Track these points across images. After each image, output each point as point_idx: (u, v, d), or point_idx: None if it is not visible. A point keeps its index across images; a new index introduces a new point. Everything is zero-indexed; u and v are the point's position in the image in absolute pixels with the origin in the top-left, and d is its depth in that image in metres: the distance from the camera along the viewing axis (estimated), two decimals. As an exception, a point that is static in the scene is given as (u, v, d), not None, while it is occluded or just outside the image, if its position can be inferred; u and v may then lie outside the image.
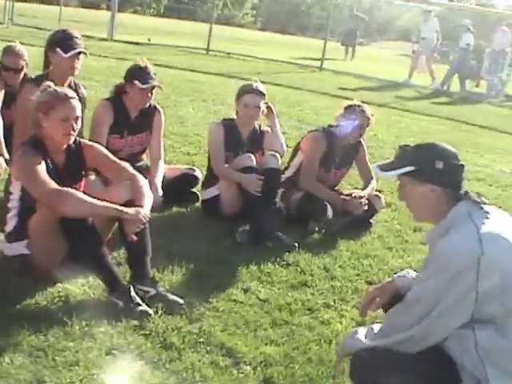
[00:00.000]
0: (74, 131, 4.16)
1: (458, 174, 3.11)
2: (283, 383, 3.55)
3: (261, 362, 3.68)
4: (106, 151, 4.43)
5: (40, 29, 19.08)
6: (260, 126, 6.08)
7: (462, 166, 3.12)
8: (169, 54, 18.45)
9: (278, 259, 5.14)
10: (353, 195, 6.01)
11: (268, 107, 6.01)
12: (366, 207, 6.01)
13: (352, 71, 20.16)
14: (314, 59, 21.60)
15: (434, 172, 3.05)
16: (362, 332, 3.25)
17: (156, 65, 13.23)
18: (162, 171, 5.77)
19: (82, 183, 4.37)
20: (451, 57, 22.86)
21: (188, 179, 6.09)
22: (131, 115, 5.73)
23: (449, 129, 12.95)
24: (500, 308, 2.92)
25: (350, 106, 6.11)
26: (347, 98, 14.26)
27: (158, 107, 5.90)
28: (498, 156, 10.87)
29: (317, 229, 5.87)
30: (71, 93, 4.19)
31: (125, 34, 20.48)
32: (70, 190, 3.93)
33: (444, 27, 22.07)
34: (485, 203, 3.10)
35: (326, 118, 11.13)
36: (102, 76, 12.67)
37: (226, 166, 5.74)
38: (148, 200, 4.20)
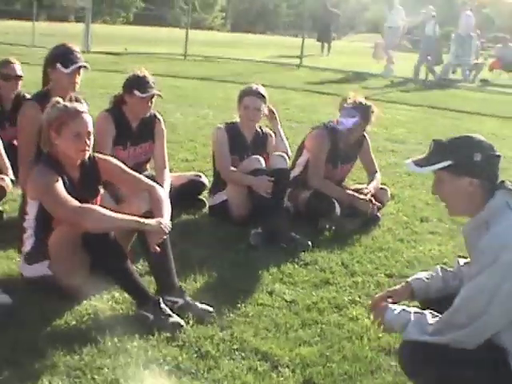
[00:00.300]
0: (88, 146, 4.11)
1: (495, 165, 3.10)
2: (323, 382, 3.52)
3: (298, 364, 3.67)
4: (120, 163, 4.39)
5: (12, 45, 18.94)
6: (262, 129, 6.05)
7: (499, 156, 3.11)
8: (147, 62, 18.18)
9: (296, 259, 5.13)
10: (364, 191, 5.98)
11: (270, 110, 6.00)
12: (376, 209, 6.00)
13: (330, 67, 20.21)
14: (291, 57, 21.62)
15: (472, 165, 3.03)
16: (409, 315, 3.20)
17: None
18: (168, 180, 5.72)
19: (99, 198, 4.32)
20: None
21: (195, 186, 6.06)
22: (132, 125, 5.68)
23: (435, 117, 13.01)
24: None
25: (352, 102, 6.08)
26: (330, 94, 14.43)
27: (158, 116, 5.85)
28: (496, 140, 10.88)
29: (327, 226, 5.85)
30: (82, 107, 4.14)
31: (100, 45, 20.38)
32: (91, 205, 3.89)
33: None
34: None
35: (314, 115, 11.23)
36: (87, 89, 12.51)
37: (234, 169, 5.70)
38: (167, 210, 4.17)
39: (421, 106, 14.03)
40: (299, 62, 20.15)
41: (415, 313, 3.18)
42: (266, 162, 5.68)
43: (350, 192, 6.05)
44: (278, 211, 5.54)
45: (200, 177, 6.16)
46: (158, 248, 3.99)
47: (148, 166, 5.99)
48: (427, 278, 3.48)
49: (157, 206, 4.13)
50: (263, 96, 5.86)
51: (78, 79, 5.16)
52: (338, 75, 18.86)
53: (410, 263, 5.31)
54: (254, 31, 43.86)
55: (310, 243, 5.38)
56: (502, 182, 3.10)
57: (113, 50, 20.24)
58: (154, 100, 5.62)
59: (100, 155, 4.34)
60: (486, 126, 12.21)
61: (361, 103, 6.04)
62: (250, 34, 40.02)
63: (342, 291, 4.68)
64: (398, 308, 3.27)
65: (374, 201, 5.97)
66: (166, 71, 16.33)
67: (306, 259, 5.15)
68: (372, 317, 3.49)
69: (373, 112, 6.07)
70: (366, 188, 6.13)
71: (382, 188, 6.40)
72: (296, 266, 5.03)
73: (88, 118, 4.11)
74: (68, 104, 4.10)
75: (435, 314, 3.13)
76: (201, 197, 6.11)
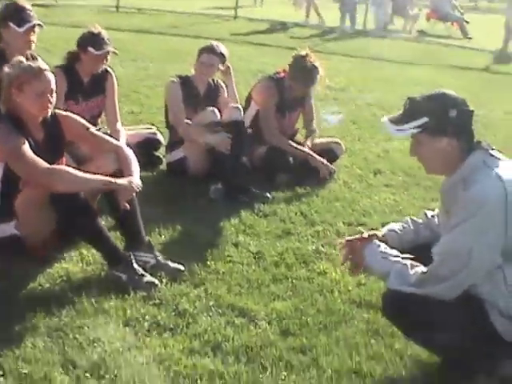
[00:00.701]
0: (51, 103, 4.05)
1: (470, 120, 3.17)
2: (300, 333, 3.61)
3: (274, 318, 3.73)
4: (84, 122, 4.34)
5: None
6: (215, 81, 6.06)
7: (472, 111, 3.17)
8: (79, 15, 17.87)
9: (256, 211, 5.22)
10: (324, 163, 6.09)
11: (226, 66, 6.00)
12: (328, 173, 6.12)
13: (265, 17, 20.11)
14: (227, 8, 21.46)
15: (448, 121, 3.09)
16: (390, 264, 3.29)
17: (69, 26, 13.03)
18: (123, 132, 5.69)
19: (64, 159, 4.28)
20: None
21: (151, 143, 6.03)
22: (84, 80, 5.63)
23: (375, 66, 13.14)
24: None
25: (300, 57, 6.09)
26: (266, 45, 14.42)
27: (110, 70, 5.80)
28: (426, 87, 10.99)
29: (285, 179, 5.92)
30: (44, 65, 4.07)
31: (27, -2, 19.76)
32: (61, 166, 3.87)
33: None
34: (494, 150, 3.19)
35: (256, 65, 11.19)
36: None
37: (189, 122, 5.69)
38: (136, 168, 4.16)
39: (361, 58, 14.12)
40: (234, 13, 19.97)
41: (396, 262, 3.26)
42: (223, 113, 5.70)
43: (307, 150, 6.12)
44: (237, 165, 5.59)
45: (155, 134, 6.14)
46: (128, 205, 3.99)
47: (99, 120, 5.92)
48: (400, 230, 3.58)
49: (126, 165, 4.13)
50: (222, 55, 5.85)
51: (34, 37, 5.06)
52: (273, 26, 18.81)
53: (366, 212, 5.43)
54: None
55: (269, 195, 5.45)
56: (479, 142, 3.18)
57: (41, 2, 19.65)
58: (108, 57, 5.55)
59: (61, 112, 4.27)
60: (424, 75, 12.38)
61: (311, 63, 6.05)
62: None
63: (304, 241, 4.78)
64: (377, 250, 3.35)
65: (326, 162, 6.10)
66: (100, 24, 15.92)
67: (266, 211, 5.24)
68: (349, 259, 3.54)
69: (321, 67, 6.12)
70: (307, 145, 6.27)
71: (335, 142, 6.51)
72: (256, 217, 5.12)
73: (50, 76, 4.05)
74: (31, 63, 4.02)
75: (415, 264, 3.23)
76: (157, 153, 6.09)
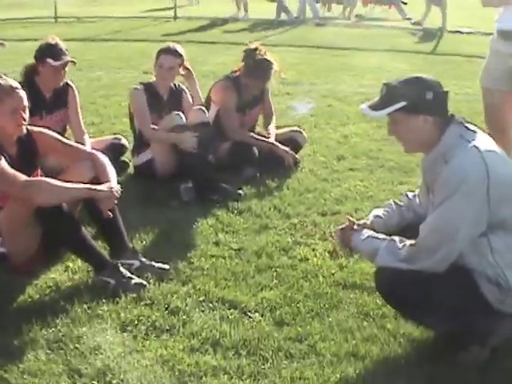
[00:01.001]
0: (25, 120, 4.05)
1: (445, 100, 3.31)
2: (294, 322, 3.68)
3: (266, 308, 3.81)
4: (56, 135, 4.35)
5: None
6: (176, 85, 6.07)
7: (447, 92, 3.32)
8: (15, 28, 17.73)
9: (231, 209, 5.25)
10: (288, 152, 6.19)
11: (187, 69, 6.01)
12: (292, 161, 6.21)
13: (204, 15, 20.12)
14: (164, 9, 21.43)
15: (425, 103, 3.22)
16: (377, 242, 3.40)
17: (6, 40, 12.89)
18: (89, 145, 5.68)
19: (38, 172, 4.27)
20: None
21: (116, 149, 6.03)
22: (46, 95, 5.61)
23: (322, 56, 13.25)
24: (510, 210, 3.16)
25: (251, 52, 6.16)
26: (213, 43, 14.44)
27: (71, 83, 5.79)
28: (376, 74, 11.22)
29: (252, 173, 5.98)
30: (15, 83, 4.07)
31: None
32: (41, 178, 3.88)
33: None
34: (469, 123, 3.31)
35: (205, 66, 11.19)
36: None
37: (156, 127, 5.72)
38: (113, 174, 4.18)
39: (306, 47, 14.22)
40: (174, 13, 19.94)
41: (383, 239, 3.37)
42: (188, 117, 5.73)
43: (270, 140, 6.19)
44: (205, 164, 5.62)
45: (120, 139, 6.14)
46: (110, 213, 4.01)
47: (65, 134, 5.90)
48: (384, 215, 3.70)
49: (102, 172, 4.14)
50: (179, 54, 5.86)
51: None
52: (213, 22, 18.85)
53: (338, 200, 5.52)
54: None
55: (241, 192, 5.50)
56: (452, 116, 3.30)
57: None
58: (67, 68, 5.54)
59: (35, 128, 4.28)
60: (371, 61, 12.56)
61: (262, 56, 6.12)
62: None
63: (282, 234, 4.85)
64: (365, 234, 3.47)
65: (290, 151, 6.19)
66: (39, 36, 15.76)
67: (240, 207, 5.27)
68: (338, 242, 3.72)
69: (275, 60, 6.18)
70: (269, 134, 6.34)
71: (297, 130, 6.60)
72: (231, 215, 5.15)
73: (23, 94, 4.05)
74: (1, 81, 4.01)
75: (403, 239, 3.33)
76: (123, 158, 6.09)
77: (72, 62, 5.53)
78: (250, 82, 6.16)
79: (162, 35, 15.62)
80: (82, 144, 5.56)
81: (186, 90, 6.10)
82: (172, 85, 6.02)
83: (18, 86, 4.06)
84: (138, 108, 5.82)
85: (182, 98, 6.05)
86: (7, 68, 5.77)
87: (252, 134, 6.25)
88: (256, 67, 6.09)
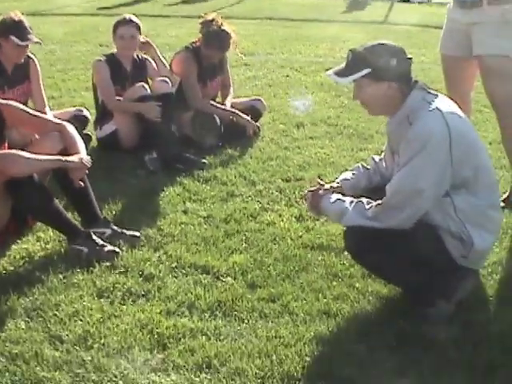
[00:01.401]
0: None
1: (408, 67, 3.45)
2: (265, 284, 3.79)
3: (238, 271, 3.91)
4: (24, 107, 4.37)
5: None
6: (139, 56, 6.09)
7: (411, 59, 3.47)
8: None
9: (196, 177, 5.32)
10: (249, 121, 6.28)
11: (145, 41, 6.04)
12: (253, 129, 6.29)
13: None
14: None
15: (389, 69, 3.35)
16: (344, 203, 3.52)
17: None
18: (51, 117, 5.68)
19: (6, 144, 4.28)
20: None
21: (79, 121, 5.97)
22: (7, 69, 5.58)
23: (276, 28, 13.28)
24: (471, 170, 3.32)
25: (208, 23, 6.21)
26: (167, 17, 14.32)
27: (32, 56, 5.76)
28: (330, 44, 11.31)
29: (215, 142, 6.05)
30: None
31: None
32: (13, 151, 3.90)
33: None
34: (430, 88, 3.44)
35: (159, 39, 11.10)
36: None
37: (120, 98, 5.75)
38: (82, 145, 4.22)
39: (259, 19, 14.24)
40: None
41: (351, 201, 3.48)
42: (152, 87, 5.77)
43: (231, 109, 6.27)
44: (169, 134, 5.68)
45: (82, 111, 6.14)
46: (81, 183, 4.06)
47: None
48: (352, 178, 3.82)
49: (71, 143, 4.18)
50: (137, 24, 5.88)
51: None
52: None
53: (301, 167, 5.62)
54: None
55: (205, 161, 5.57)
56: (415, 81, 3.43)
57: None
58: (30, 45, 5.53)
59: (1, 100, 4.28)
60: (326, 32, 12.62)
61: (224, 31, 6.17)
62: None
63: (249, 201, 4.94)
64: (333, 197, 3.58)
65: (251, 120, 6.28)
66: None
67: (206, 176, 5.35)
68: (307, 204, 3.82)
69: (233, 31, 6.24)
70: (224, 104, 6.43)
71: (257, 99, 6.69)
72: (198, 184, 5.22)
73: None
74: None
75: (370, 200, 3.45)
76: (86, 131, 6.10)
77: (38, 43, 5.51)
78: (209, 52, 6.21)
79: (115, 8, 15.55)
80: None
81: (150, 59, 6.11)
82: (135, 56, 6.03)
83: None
84: (102, 80, 5.84)
85: (146, 68, 6.07)
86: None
87: (213, 103, 6.30)
88: (214, 38, 6.15)
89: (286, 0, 17.98)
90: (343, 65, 3.46)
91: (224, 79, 6.61)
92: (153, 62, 6.10)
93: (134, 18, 5.92)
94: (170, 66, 6.34)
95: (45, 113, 5.62)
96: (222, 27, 6.15)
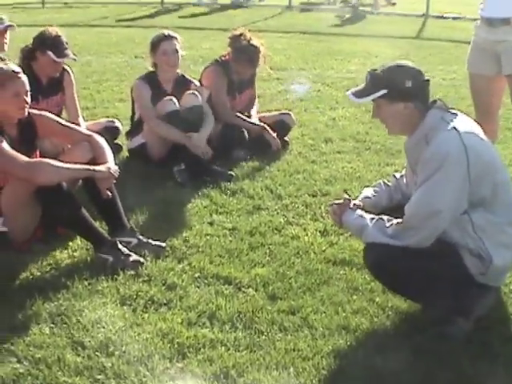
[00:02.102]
0: (27, 104, 4.17)
1: (426, 88, 3.52)
2: (286, 296, 3.83)
3: (259, 283, 3.96)
4: (56, 117, 4.48)
5: None
6: (184, 76, 6.13)
7: (428, 80, 3.53)
8: (4, 14, 17.61)
9: (224, 190, 5.38)
10: (275, 138, 6.31)
11: None
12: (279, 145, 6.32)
13: (190, 0, 20.18)
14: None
15: (404, 91, 3.43)
16: (365, 220, 3.57)
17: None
18: (84, 128, 5.78)
19: (37, 153, 4.39)
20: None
21: (110, 132, 6.10)
22: (42, 80, 5.70)
23: (307, 42, 13.34)
24: (489, 188, 3.35)
25: (236, 38, 6.28)
26: (201, 29, 14.48)
27: (66, 67, 5.88)
28: (362, 59, 11.35)
29: (243, 155, 6.11)
30: (17, 68, 4.19)
31: None
32: (42, 159, 4.01)
33: None
34: (450, 107, 3.49)
35: (193, 51, 11.27)
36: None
37: (161, 122, 5.77)
38: (110, 155, 4.31)
39: (292, 33, 14.30)
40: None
41: (372, 218, 3.53)
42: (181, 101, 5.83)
43: (261, 124, 6.34)
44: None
45: (114, 122, 6.25)
46: (109, 193, 4.14)
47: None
48: (374, 196, 3.87)
49: (100, 153, 4.27)
50: (176, 38, 5.93)
51: (6, 39, 5.14)
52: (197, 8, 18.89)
53: (327, 181, 5.66)
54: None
55: (232, 173, 5.63)
56: (434, 101, 3.49)
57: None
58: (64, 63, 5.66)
59: (35, 111, 4.39)
60: (358, 47, 12.66)
61: (245, 39, 6.23)
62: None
63: (275, 214, 4.99)
64: (355, 213, 3.63)
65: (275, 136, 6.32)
66: (27, 21, 15.70)
67: (233, 188, 5.41)
68: (331, 216, 3.88)
69: (261, 45, 6.30)
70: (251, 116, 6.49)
71: (286, 113, 6.74)
72: (225, 196, 5.28)
73: (24, 78, 4.16)
74: (3, 65, 4.12)
75: (391, 218, 3.49)
76: (117, 141, 6.20)
77: (73, 59, 5.62)
78: (239, 67, 6.28)
79: (149, 21, 15.74)
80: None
81: (196, 82, 6.16)
82: (178, 75, 6.05)
83: (20, 70, 4.17)
84: (141, 101, 5.88)
85: (188, 89, 6.02)
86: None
87: (242, 116, 6.36)
88: (243, 52, 6.20)
89: (321, 15, 18.08)
90: (363, 85, 3.55)
91: (252, 92, 6.68)
92: (197, 83, 6.13)
93: (172, 32, 5.97)
94: (200, 79, 6.42)
95: (78, 123, 5.75)
96: (251, 42, 6.20)
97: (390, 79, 3.44)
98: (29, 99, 4.15)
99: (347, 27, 15.43)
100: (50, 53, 5.44)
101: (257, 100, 6.74)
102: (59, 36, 5.55)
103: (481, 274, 3.43)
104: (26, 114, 4.22)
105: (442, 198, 3.31)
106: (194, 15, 17.50)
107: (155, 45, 5.90)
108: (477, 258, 3.38)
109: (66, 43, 5.57)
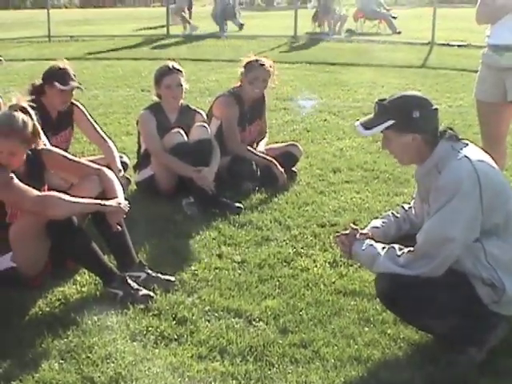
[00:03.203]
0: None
1: (434, 118, 3.51)
2: (297, 329, 3.81)
3: (270, 316, 3.94)
4: (63, 153, 4.50)
5: None
6: (189, 106, 6.18)
7: (436, 109, 3.52)
8: (11, 48, 17.83)
9: (232, 222, 5.37)
10: (280, 171, 6.30)
11: None
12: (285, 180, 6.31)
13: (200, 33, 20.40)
14: (156, 28, 21.67)
15: (412, 121, 3.42)
16: (376, 249, 3.55)
17: (7, 60, 13.03)
18: (115, 151, 5.89)
19: (46, 188, 4.39)
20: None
21: (119, 166, 6.13)
22: (52, 115, 5.74)
23: (314, 72, 13.38)
24: (502, 216, 3.33)
25: (249, 63, 6.35)
26: (207, 61, 14.56)
27: (76, 102, 5.92)
28: (369, 89, 11.38)
29: (251, 187, 6.11)
30: (25, 117, 4.17)
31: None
32: (52, 193, 4.02)
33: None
34: (459, 136, 3.48)
35: (200, 84, 11.35)
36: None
37: (167, 155, 5.79)
38: (120, 189, 4.32)
39: (298, 63, 14.35)
40: (166, 31, 20.11)
41: (383, 248, 3.51)
42: (190, 133, 5.85)
43: (269, 158, 6.35)
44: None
45: (122, 157, 6.24)
46: (119, 227, 4.14)
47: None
48: (382, 226, 3.85)
49: (110, 187, 4.28)
50: (181, 71, 5.98)
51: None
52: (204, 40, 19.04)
53: (336, 212, 5.64)
54: (104, 5, 42.93)
55: (241, 206, 5.62)
56: (444, 131, 3.48)
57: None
58: (73, 92, 5.69)
59: (43, 146, 4.41)
60: (364, 76, 12.71)
61: (257, 61, 6.34)
62: (99, 8, 39.15)
63: (284, 245, 4.97)
64: (365, 242, 3.62)
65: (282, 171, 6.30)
66: (34, 55, 15.90)
67: (241, 221, 5.39)
68: (340, 247, 3.82)
69: (271, 67, 6.36)
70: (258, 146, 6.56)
71: (293, 144, 6.75)
72: (233, 228, 5.26)
73: (36, 127, 4.17)
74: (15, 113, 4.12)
75: (402, 247, 3.47)
76: (126, 175, 6.20)
77: (79, 88, 5.67)
78: (250, 78, 6.29)
79: (156, 53, 15.83)
80: (109, 149, 5.82)
81: (202, 112, 6.19)
82: (182, 105, 6.10)
83: (29, 120, 4.13)
84: (147, 132, 5.91)
85: (193, 120, 6.05)
86: (5, 88, 5.90)
87: (251, 149, 6.37)
88: (251, 65, 6.30)
89: (327, 45, 18.19)
90: (371, 116, 3.54)
91: (265, 126, 6.72)
92: (203, 114, 6.16)
93: (177, 65, 6.01)
94: (211, 109, 6.44)
95: (108, 145, 5.88)
96: (260, 60, 6.33)
97: (397, 110, 3.44)
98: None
99: (353, 56, 15.45)
100: (56, 84, 5.50)
101: (268, 132, 6.73)
102: (66, 68, 5.64)
103: (494, 303, 3.40)
104: (32, 149, 4.22)
105: (455, 226, 3.29)
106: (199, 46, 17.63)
107: (159, 78, 5.95)
108: (489, 287, 3.36)
109: (74, 75, 5.65)
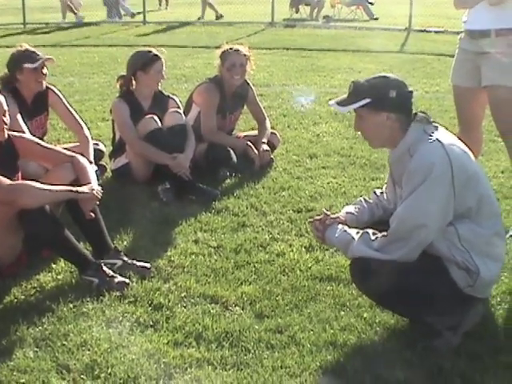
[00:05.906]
0: (6, 125, 4.13)
1: (409, 99, 3.50)
2: (273, 314, 3.81)
3: (246, 301, 3.94)
4: (36, 140, 4.44)
5: None
6: (163, 92, 6.11)
7: (411, 92, 3.52)
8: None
9: (208, 208, 5.35)
10: (260, 150, 6.31)
11: None
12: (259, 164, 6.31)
13: (174, 19, 20.23)
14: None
15: (388, 100, 3.41)
16: (350, 235, 3.55)
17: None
18: (89, 136, 5.81)
19: (19, 175, 4.35)
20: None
21: (95, 154, 6.07)
22: (27, 101, 5.67)
23: (291, 58, 13.36)
24: (474, 200, 3.33)
25: (224, 52, 6.33)
26: (184, 47, 14.48)
27: (51, 87, 5.84)
28: (346, 74, 11.36)
29: (228, 174, 6.09)
30: None
31: None
32: (24, 181, 3.96)
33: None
34: (431, 119, 3.49)
35: (176, 70, 11.28)
36: None
37: (144, 143, 5.73)
38: (93, 176, 4.28)
39: (275, 49, 14.32)
40: (143, 18, 19.99)
41: (357, 232, 3.51)
42: (164, 120, 5.81)
43: (244, 141, 6.34)
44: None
45: (97, 144, 6.20)
46: (92, 214, 4.11)
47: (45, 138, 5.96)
48: (356, 212, 3.85)
49: (83, 174, 4.24)
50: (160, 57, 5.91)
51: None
52: (185, 29, 18.92)
53: (312, 197, 5.64)
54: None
55: (218, 192, 5.61)
56: (415, 114, 3.49)
57: None
58: (46, 71, 5.60)
59: (14, 133, 4.35)
60: (341, 62, 12.72)
61: (232, 49, 6.33)
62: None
63: (260, 231, 4.97)
64: (339, 227, 3.62)
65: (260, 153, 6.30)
66: (9, 42, 15.72)
67: (218, 207, 5.38)
68: (314, 233, 3.82)
69: (249, 53, 6.35)
70: (264, 143, 6.43)
71: (272, 132, 6.72)
72: (209, 214, 5.25)
73: (1, 98, 4.11)
74: None
75: (376, 231, 3.48)
76: (101, 162, 6.16)
77: (49, 59, 5.58)
78: (227, 65, 6.26)
79: (133, 39, 15.73)
80: (85, 139, 5.73)
81: (175, 99, 6.15)
82: (157, 92, 6.02)
83: None
84: (122, 121, 5.84)
85: (166, 106, 6.01)
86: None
87: (224, 134, 6.38)
88: (226, 52, 6.30)
89: (304, 31, 18.16)
90: (345, 95, 3.52)
91: (258, 113, 6.73)
92: (177, 100, 6.13)
93: (158, 52, 5.94)
94: (191, 96, 6.41)
95: (83, 133, 5.80)
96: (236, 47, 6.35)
97: (374, 89, 3.43)
98: (8, 120, 4.10)
99: (330, 42, 15.45)
100: (26, 65, 5.43)
101: (267, 121, 6.73)
102: (27, 48, 5.56)
103: (468, 287, 3.42)
104: (6, 136, 4.16)
105: (427, 211, 3.30)
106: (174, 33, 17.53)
107: (146, 64, 5.82)
108: (464, 270, 3.37)
109: (37, 51, 5.57)
